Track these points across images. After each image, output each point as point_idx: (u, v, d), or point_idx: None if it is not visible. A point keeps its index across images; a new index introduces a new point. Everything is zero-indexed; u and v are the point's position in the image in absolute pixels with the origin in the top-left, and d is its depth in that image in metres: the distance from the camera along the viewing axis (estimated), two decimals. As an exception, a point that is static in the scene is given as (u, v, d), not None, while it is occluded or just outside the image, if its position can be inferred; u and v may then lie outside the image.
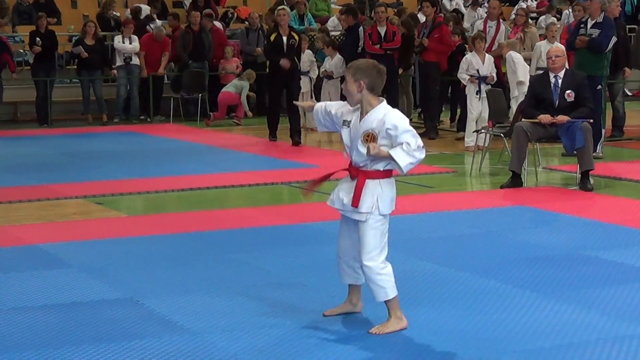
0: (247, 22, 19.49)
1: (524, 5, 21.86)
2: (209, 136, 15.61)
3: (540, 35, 15.69)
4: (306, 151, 13.80)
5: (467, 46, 14.67)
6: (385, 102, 5.54)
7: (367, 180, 5.48)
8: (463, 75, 13.46)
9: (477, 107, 13.34)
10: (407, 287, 6.36)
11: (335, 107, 5.74)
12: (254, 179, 11.05)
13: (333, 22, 20.21)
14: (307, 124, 15.88)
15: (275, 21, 15.16)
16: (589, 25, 12.44)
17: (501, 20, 14.98)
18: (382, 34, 15.02)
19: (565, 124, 10.07)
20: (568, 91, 10.23)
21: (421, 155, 5.44)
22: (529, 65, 13.89)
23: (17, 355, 5.16)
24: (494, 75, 13.35)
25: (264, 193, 10.53)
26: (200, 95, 17.87)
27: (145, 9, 19.91)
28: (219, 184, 10.85)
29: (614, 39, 12.42)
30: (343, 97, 5.78)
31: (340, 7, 19.78)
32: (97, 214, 9.30)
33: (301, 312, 5.88)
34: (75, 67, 18.04)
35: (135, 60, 17.98)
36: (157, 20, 19.49)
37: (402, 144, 5.38)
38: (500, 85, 13.45)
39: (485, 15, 15.88)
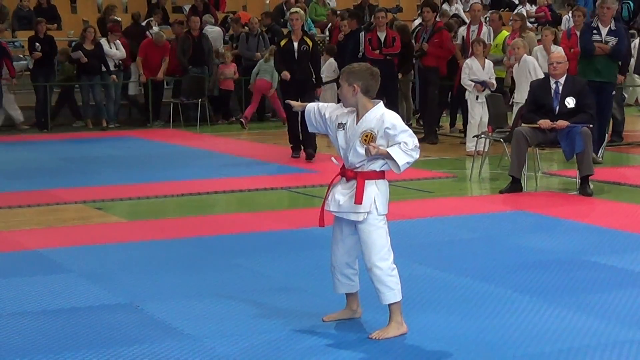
0: (246, 27, 19.50)
1: (523, 10, 21.89)
2: (209, 141, 15.61)
3: (538, 40, 15.68)
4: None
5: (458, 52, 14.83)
6: (381, 103, 5.55)
7: (365, 181, 5.49)
8: (467, 82, 13.43)
9: (479, 113, 13.34)
10: (408, 292, 6.34)
11: (330, 109, 5.73)
12: (253, 184, 11.05)
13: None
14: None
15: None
16: (603, 32, 12.39)
17: (483, 23, 14.97)
18: (382, 39, 15.02)
19: (565, 129, 10.07)
20: (568, 97, 10.23)
21: (417, 155, 5.45)
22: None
23: (16, 360, 5.17)
24: (494, 82, 13.35)
25: (264, 198, 10.53)
26: (200, 100, 17.88)
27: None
28: (218, 189, 10.85)
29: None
30: (340, 101, 5.79)
31: (340, 12, 19.78)
32: (97, 219, 9.30)
33: (301, 317, 5.87)
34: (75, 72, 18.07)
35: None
36: (155, 27, 19.53)
37: (399, 143, 5.40)
38: (500, 90, 13.45)
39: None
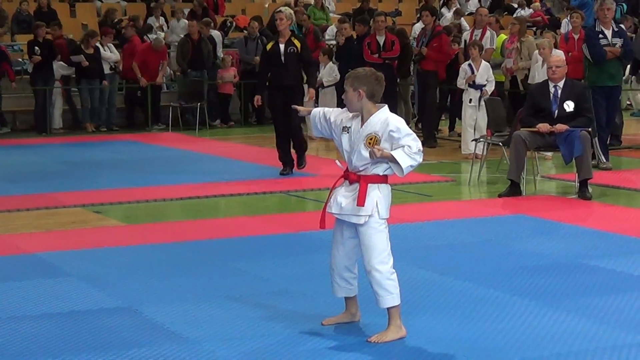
0: (245, 31, 19.52)
1: (522, 13, 21.91)
2: (208, 145, 15.62)
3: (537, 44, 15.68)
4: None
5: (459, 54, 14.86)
6: (386, 107, 5.57)
7: (368, 184, 5.50)
8: (461, 82, 13.55)
9: (471, 116, 13.40)
10: (406, 296, 6.34)
11: (335, 114, 5.75)
12: (252, 188, 11.04)
13: (332, 31, 20.25)
14: (307, 132, 15.94)
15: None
16: (609, 35, 12.36)
17: (487, 27, 15.00)
18: (381, 44, 15.04)
19: (563, 133, 10.08)
20: (567, 101, 10.24)
21: (420, 159, 5.47)
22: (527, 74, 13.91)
23: (15, 364, 5.16)
24: (489, 87, 13.36)
25: (263, 202, 10.53)
26: (199, 104, 17.90)
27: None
28: (217, 192, 10.85)
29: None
30: (341, 105, 5.80)
31: (339, 16, 19.80)
32: (96, 222, 9.30)
33: (300, 320, 5.87)
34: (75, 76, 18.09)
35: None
36: (159, 32, 19.58)
37: (403, 146, 5.41)
38: (499, 94, 13.46)
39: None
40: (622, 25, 13.10)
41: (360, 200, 5.47)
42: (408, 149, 5.41)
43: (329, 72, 16.29)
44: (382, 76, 5.62)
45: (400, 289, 5.55)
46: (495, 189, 10.91)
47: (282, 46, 11.80)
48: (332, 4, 23.25)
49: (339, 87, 15.08)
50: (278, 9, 12.25)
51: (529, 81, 13.42)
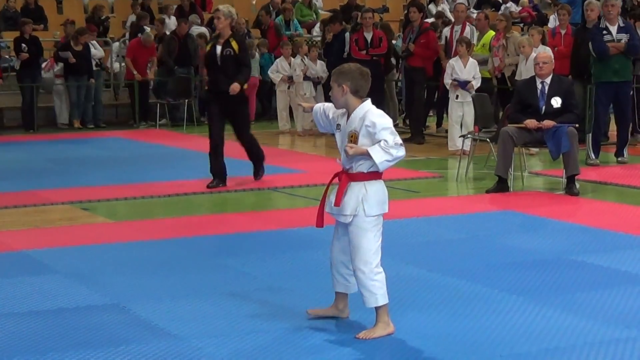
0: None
1: (508, 10, 21.91)
2: (195, 142, 15.57)
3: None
4: (294, 156, 13.79)
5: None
6: (368, 101, 5.56)
7: (350, 183, 5.50)
8: (447, 81, 13.58)
9: (457, 112, 13.45)
10: (394, 292, 6.35)
11: (332, 110, 5.77)
12: (240, 185, 11.02)
13: (320, 28, 20.23)
14: (298, 127, 16.05)
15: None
16: (613, 31, 12.27)
17: (466, 23, 15.00)
18: (369, 40, 15.04)
19: (551, 129, 10.10)
20: (554, 97, 10.26)
21: (399, 152, 5.43)
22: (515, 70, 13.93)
23: (3, 361, 5.15)
24: (475, 83, 13.38)
25: (250, 198, 10.52)
26: (186, 100, 17.88)
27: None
28: (205, 189, 10.83)
29: None
30: (329, 101, 5.81)
31: (327, 13, 19.79)
32: (83, 219, 9.27)
33: (288, 317, 5.87)
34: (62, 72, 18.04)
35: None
36: (146, 27, 19.53)
37: (380, 141, 5.40)
38: (486, 90, 13.46)
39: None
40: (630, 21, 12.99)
41: (337, 201, 5.49)
42: (385, 143, 5.39)
43: (321, 68, 16.34)
44: (367, 71, 5.62)
45: (388, 286, 5.54)
46: (482, 185, 10.93)
47: (219, 48, 10.79)
48: (320, 0, 23.22)
49: (327, 84, 15.11)
50: (217, 8, 11.07)
51: (515, 77, 13.42)
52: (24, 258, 7.56)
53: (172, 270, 7.11)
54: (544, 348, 5.29)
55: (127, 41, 18.99)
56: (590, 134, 12.46)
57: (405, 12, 17.67)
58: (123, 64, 18.84)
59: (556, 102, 10.25)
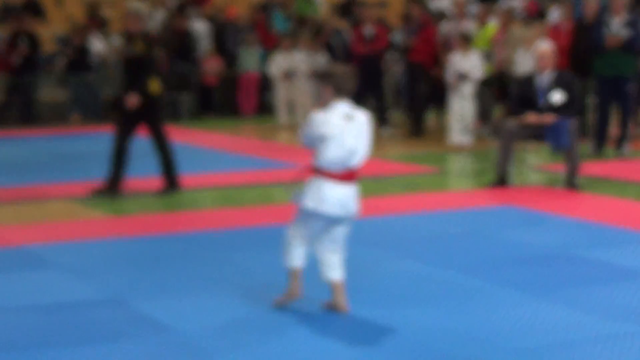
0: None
1: (509, 4, 21.86)
2: (195, 136, 15.58)
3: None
4: (294, 151, 13.76)
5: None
6: (340, 102, 5.69)
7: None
8: (449, 77, 13.55)
9: (458, 106, 13.44)
10: (394, 287, 6.36)
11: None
12: (239, 180, 11.02)
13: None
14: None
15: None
16: (615, 24, 12.18)
17: (465, 17, 14.98)
18: (368, 35, 15.03)
19: (551, 124, 10.08)
20: (554, 91, 10.23)
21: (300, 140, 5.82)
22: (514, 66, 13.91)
23: (1, 356, 5.13)
24: (475, 73, 13.36)
25: (250, 193, 10.51)
26: (185, 95, 17.88)
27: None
28: (204, 184, 10.82)
29: None
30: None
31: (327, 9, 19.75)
32: (82, 214, 9.26)
33: (288, 312, 5.86)
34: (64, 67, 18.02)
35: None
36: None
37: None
38: (488, 85, 13.46)
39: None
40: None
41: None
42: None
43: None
44: (349, 71, 5.76)
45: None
46: (483, 180, 10.91)
47: (127, 49, 10.06)
48: (321, -4, 23.17)
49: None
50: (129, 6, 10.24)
51: (516, 71, 13.41)
52: (22, 253, 7.55)
53: (172, 265, 7.10)
54: (544, 343, 5.28)
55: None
56: (593, 128, 12.47)
57: (405, 7, 17.65)
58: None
59: (556, 96, 10.23)
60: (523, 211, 9.18)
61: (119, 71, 10.07)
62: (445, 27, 15.04)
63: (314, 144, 5.71)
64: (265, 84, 18.23)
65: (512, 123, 10.30)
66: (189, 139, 15.15)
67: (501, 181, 10.34)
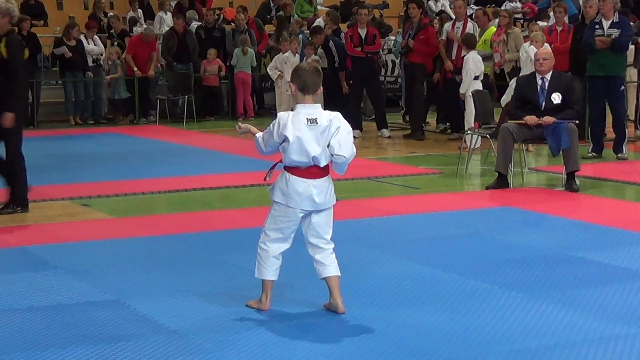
0: (233, 24, 19.48)
1: (509, 6, 21.89)
2: (195, 138, 15.60)
3: (524, 37, 15.67)
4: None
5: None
6: (306, 104, 5.76)
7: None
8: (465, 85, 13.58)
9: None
10: (393, 288, 6.36)
11: None
12: (239, 181, 11.03)
13: (320, 24, 20.19)
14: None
15: None
16: (605, 26, 12.31)
17: (468, 19, 15.00)
18: (363, 37, 15.06)
19: (551, 125, 10.09)
20: (554, 93, 10.25)
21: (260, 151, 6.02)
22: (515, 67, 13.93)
23: (2, 357, 5.14)
24: (468, 73, 13.40)
25: (250, 194, 10.51)
26: (186, 97, 17.88)
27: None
28: (204, 185, 10.83)
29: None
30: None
31: (327, 9, 19.76)
32: (83, 215, 9.27)
33: (287, 313, 5.87)
34: (58, 68, 18.03)
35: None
36: (144, 24, 19.53)
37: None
38: (487, 87, 13.46)
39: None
40: (626, 17, 12.99)
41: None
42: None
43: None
44: (312, 69, 5.83)
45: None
46: (482, 181, 10.93)
47: None
48: (320, -4, 23.21)
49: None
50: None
51: (521, 73, 13.41)
52: (23, 254, 7.56)
53: (172, 266, 7.10)
54: (543, 344, 5.29)
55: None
56: (589, 129, 12.47)
57: (405, 8, 17.68)
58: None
59: (556, 98, 10.24)
60: (522, 213, 9.19)
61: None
62: (448, 28, 15.05)
63: (275, 148, 5.85)
64: (265, 86, 18.20)
65: (512, 125, 10.31)
66: (190, 139, 15.17)
67: (501, 183, 10.34)
